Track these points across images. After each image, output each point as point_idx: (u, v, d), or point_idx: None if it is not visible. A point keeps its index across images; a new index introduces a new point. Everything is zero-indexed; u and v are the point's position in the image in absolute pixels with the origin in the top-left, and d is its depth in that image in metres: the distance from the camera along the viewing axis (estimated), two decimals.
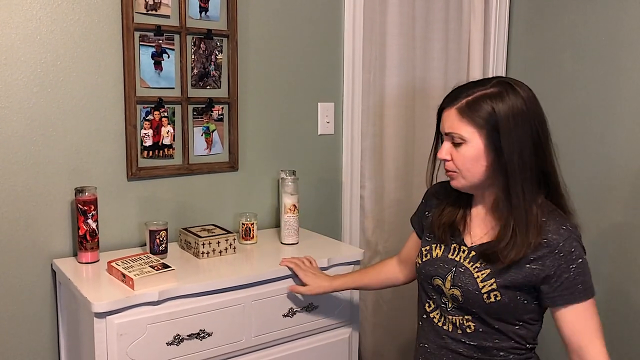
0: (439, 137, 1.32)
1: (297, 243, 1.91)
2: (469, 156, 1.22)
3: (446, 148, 1.25)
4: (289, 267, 1.64)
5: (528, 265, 1.21)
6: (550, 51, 2.38)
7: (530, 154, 1.19)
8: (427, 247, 1.37)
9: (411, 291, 2.33)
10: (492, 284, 1.23)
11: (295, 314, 1.68)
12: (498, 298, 1.22)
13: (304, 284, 1.62)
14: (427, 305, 1.37)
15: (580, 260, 1.20)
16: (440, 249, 1.34)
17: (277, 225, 2.09)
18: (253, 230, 1.89)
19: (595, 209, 2.23)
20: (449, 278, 1.29)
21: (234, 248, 1.78)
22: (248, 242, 1.88)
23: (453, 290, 1.28)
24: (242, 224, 1.89)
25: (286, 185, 1.90)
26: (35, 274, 1.67)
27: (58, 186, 1.68)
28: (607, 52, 2.19)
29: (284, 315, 1.66)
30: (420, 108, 2.32)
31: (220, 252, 1.75)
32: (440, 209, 1.37)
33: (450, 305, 1.30)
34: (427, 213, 1.44)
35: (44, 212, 1.67)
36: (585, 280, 1.21)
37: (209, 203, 1.96)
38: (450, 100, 1.25)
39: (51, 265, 1.69)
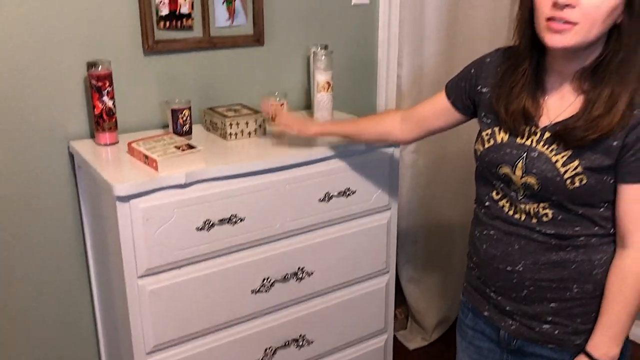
0: None
1: None
2: (605, 8, 0.98)
3: None
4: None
5: (615, 143, 1.03)
6: None
7: None
8: (489, 131, 1.18)
9: (449, 174, 2.21)
10: (576, 167, 1.06)
11: (331, 198, 1.56)
12: (584, 182, 1.06)
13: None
14: (493, 192, 1.20)
15: None
16: (505, 133, 1.15)
17: (308, 106, 1.92)
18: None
19: None
20: (519, 165, 1.11)
21: (264, 129, 1.63)
22: None
23: (526, 178, 1.11)
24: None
25: (319, 60, 1.71)
26: (52, 157, 1.56)
27: (69, 60, 1.52)
28: None
29: (320, 200, 1.55)
30: None
31: (249, 133, 1.60)
32: (508, 87, 1.14)
33: (521, 194, 1.14)
34: (479, 87, 1.22)
35: (56, 90, 1.52)
36: None
37: (234, 81, 1.78)
38: None
39: (68, 147, 1.57)
